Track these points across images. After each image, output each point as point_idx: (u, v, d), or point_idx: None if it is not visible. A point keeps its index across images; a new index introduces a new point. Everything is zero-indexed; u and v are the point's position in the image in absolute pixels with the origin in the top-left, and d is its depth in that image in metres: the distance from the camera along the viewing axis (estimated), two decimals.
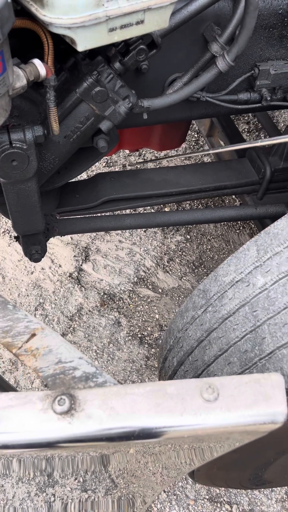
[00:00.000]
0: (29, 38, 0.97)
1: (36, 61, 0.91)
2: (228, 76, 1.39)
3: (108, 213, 1.77)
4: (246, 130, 3.21)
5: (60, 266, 2.36)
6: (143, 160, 2.91)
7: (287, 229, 0.90)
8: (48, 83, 0.96)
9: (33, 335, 0.71)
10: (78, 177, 1.53)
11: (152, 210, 2.56)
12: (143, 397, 0.66)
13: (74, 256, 2.40)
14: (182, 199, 1.75)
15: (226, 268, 0.98)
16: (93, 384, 0.67)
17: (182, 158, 2.95)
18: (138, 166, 2.79)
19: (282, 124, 3.20)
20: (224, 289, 0.97)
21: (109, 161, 2.90)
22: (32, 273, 2.32)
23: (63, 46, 0.97)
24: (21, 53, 0.99)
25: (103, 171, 1.89)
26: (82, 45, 0.83)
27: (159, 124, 1.85)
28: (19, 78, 0.88)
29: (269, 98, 1.39)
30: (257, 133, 3.18)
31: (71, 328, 2.14)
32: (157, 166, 2.83)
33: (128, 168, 2.86)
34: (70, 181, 1.67)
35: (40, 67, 0.91)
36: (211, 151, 1.69)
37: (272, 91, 1.42)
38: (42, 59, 0.94)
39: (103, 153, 1.38)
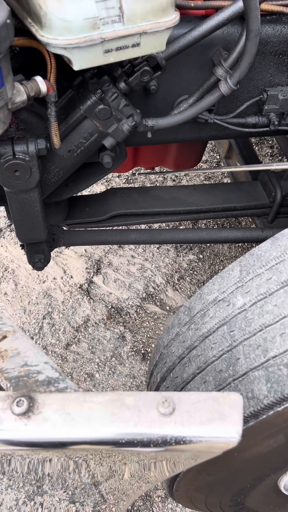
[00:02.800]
0: (41, 56, 1.02)
1: (38, 78, 0.96)
2: (238, 99, 1.42)
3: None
4: (269, 154, 3.21)
5: (71, 277, 2.40)
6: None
7: (270, 251, 0.90)
8: (49, 99, 1.00)
9: (4, 337, 0.73)
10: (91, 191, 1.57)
11: (167, 227, 2.58)
12: (100, 406, 0.67)
13: (86, 268, 2.44)
14: (190, 218, 1.77)
15: (211, 286, 0.99)
16: (54, 389, 0.69)
17: (202, 179, 2.97)
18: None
19: None
20: (207, 307, 0.97)
21: (129, 178, 2.95)
22: (44, 282, 2.37)
23: None
24: (34, 69, 1.05)
25: (115, 187, 1.93)
26: (77, 65, 0.87)
27: (174, 144, 1.88)
28: (20, 93, 0.92)
29: (276, 123, 1.40)
30: (280, 157, 3.17)
31: (76, 339, 2.16)
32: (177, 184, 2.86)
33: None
34: (83, 194, 1.72)
35: (41, 84, 0.95)
36: (223, 169, 1.70)
37: (281, 116, 1.43)
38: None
39: (109, 169, 1.42)
